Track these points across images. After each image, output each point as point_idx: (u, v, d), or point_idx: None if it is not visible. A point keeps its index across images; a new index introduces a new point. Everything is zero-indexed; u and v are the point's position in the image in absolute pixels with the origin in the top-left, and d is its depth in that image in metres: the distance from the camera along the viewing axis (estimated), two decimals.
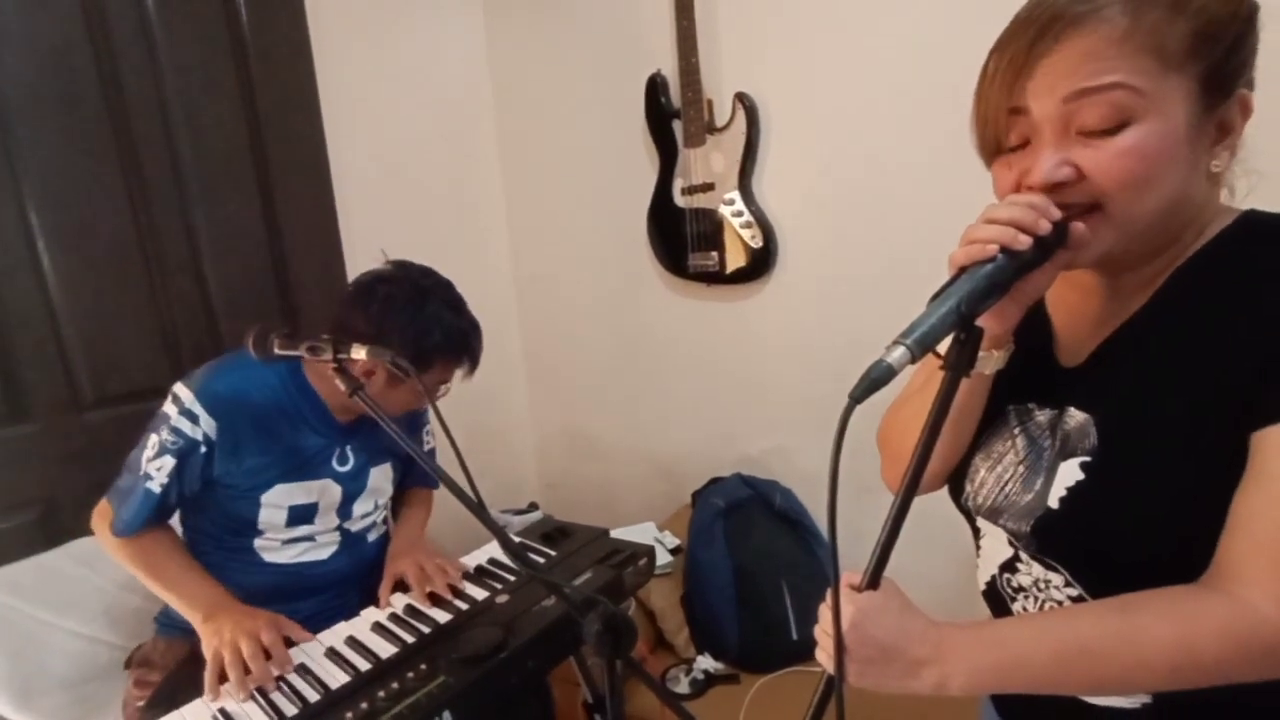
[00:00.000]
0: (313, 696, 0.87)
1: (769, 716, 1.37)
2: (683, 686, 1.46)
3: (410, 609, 1.05)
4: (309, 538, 1.14)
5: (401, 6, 1.75)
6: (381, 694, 0.84)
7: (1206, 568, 0.51)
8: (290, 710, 0.85)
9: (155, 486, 1.02)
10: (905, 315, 0.50)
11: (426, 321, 1.05)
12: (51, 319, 1.30)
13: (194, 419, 1.01)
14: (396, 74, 1.76)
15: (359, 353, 0.89)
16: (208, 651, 0.92)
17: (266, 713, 0.85)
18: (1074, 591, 0.58)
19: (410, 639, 0.97)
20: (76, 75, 1.28)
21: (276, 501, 1.08)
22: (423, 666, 0.89)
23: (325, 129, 1.60)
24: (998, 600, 0.66)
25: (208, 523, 1.11)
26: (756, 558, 1.54)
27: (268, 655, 0.91)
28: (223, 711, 0.86)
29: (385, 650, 0.95)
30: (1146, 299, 0.57)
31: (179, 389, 1.03)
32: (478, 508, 0.85)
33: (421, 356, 1.04)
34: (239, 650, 0.90)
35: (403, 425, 1.22)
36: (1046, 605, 0.60)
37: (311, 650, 0.96)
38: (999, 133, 0.56)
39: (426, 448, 1.34)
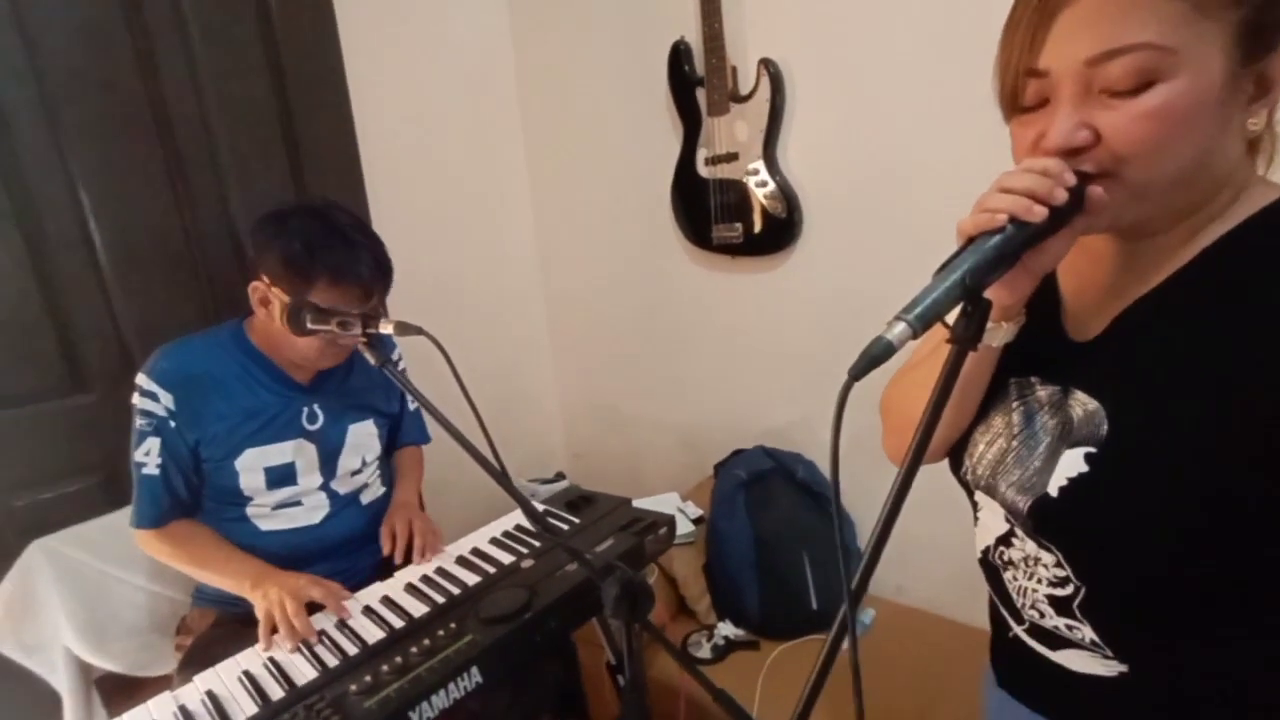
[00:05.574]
0: (351, 650, 0.93)
1: (787, 681, 1.41)
2: (704, 651, 1.50)
3: (441, 570, 1.11)
4: (296, 502, 1.18)
5: None
6: (414, 649, 0.90)
7: (1222, 563, 0.49)
8: (332, 661, 0.91)
9: (151, 470, 1.09)
10: None
11: (289, 234, 1.05)
12: (104, 293, 1.37)
13: (154, 397, 1.08)
14: (420, 47, 1.77)
15: (387, 327, 0.92)
16: (260, 614, 1.00)
17: (311, 663, 0.92)
18: (1063, 572, 0.58)
19: (440, 599, 1.03)
20: (113, 57, 1.32)
21: (251, 465, 1.13)
22: (452, 625, 0.94)
23: (352, 105, 1.62)
24: (991, 570, 0.66)
25: (207, 501, 1.17)
26: (777, 528, 1.56)
27: (313, 612, 0.99)
28: (271, 660, 0.93)
29: (417, 609, 1.01)
30: (1169, 273, 0.53)
31: (138, 377, 1.09)
32: (501, 476, 0.88)
33: (295, 272, 1.04)
34: (285, 609, 0.98)
35: (379, 387, 1.27)
36: (1035, 578, 0.61)
37: (349, 608, 1.03)
38: (1016, 90, 0.52)
39: (411, 408, 1.37)
